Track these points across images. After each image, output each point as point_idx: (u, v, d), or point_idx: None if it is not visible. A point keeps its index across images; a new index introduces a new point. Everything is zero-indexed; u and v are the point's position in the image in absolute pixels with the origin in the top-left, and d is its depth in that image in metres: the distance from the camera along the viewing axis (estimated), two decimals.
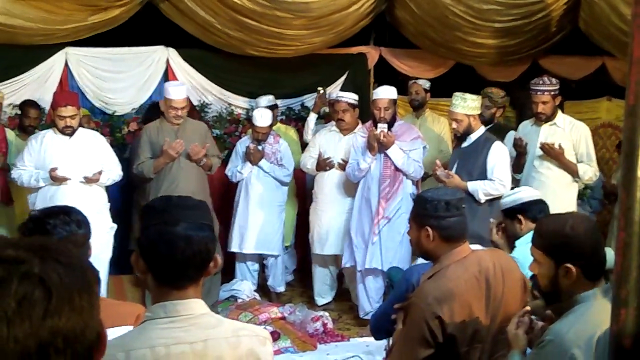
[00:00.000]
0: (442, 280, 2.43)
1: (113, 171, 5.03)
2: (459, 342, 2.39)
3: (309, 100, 6.73)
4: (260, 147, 5.70)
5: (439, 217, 2.48)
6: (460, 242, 2.51)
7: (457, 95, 4.90)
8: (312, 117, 6.28)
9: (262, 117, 5.63)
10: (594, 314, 1.96)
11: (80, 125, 5.39)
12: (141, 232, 1.67)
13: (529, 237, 3.18)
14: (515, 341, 2.20)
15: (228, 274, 6.00)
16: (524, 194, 3.45)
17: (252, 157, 5.67)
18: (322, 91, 6.25)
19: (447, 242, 2.50)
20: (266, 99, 6.18)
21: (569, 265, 2.02)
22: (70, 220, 2.17)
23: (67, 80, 6.27)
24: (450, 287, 2.39)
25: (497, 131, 5.32)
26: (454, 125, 4.89)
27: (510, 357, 2.20)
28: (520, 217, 3.36)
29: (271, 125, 5.77)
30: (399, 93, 5.38)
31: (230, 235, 5.87)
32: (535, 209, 3.33)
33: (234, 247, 5.83)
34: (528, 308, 2.31)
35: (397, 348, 2.53)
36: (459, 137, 4.96)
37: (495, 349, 2.44)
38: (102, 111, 6.41)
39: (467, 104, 4.82)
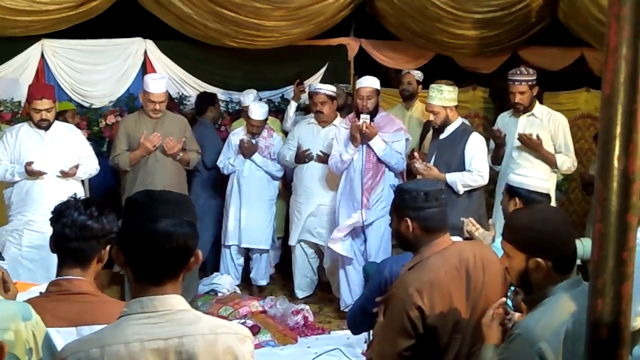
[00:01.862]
0: (422, 271, 2.43)
1: (90, 165, 4.96)
2: (439, 332, 2.39)
3: (289, 92, 6.69)
4: (254, 141, 5.67)
5: (418, 208, 2.47)
6: (440, 233, 2.51)
7: (434, 86, 4.89)
8: (293, 105, 6.28)
9: (258, 111, 5.61)
10: (561, 307, 1.96)
11: (65, 120, 5.30)
12: (122, 225, 1.67)
13: None
14: (489, 333, 2.20)
15: (210, 267, 5.98)
16: (534, 182, 3.35)
17: (245, 151, 5.65)
18: (298, 80, 6.28)
19: (427, 233, 2.49)
20: (253, 95, 6.14)
21: (539, 259, 2.01)
22: (82, 212, 2.14)
23: (43, 73, 6.16)
24: (431, 277, 2.39)
25: None
26: (431, 117, 4.88)
27: (484, 350, 2.20)
28: (517, 200, 3.32)
29: (266, 119, 5.75)
30: (380, 85, 5.36)
31: (225, 227, 5.84)
32: (534, 201, 3.22)
33: (231, 240, 5.81)
34: (503, 300, 2.31)
35: (378, 339, 2.53)
36: (437, 129, 4.95)
37: (476, 340, 2.44)
38: (79, 104, 6.32)
39: (443, 96, 4.81)
